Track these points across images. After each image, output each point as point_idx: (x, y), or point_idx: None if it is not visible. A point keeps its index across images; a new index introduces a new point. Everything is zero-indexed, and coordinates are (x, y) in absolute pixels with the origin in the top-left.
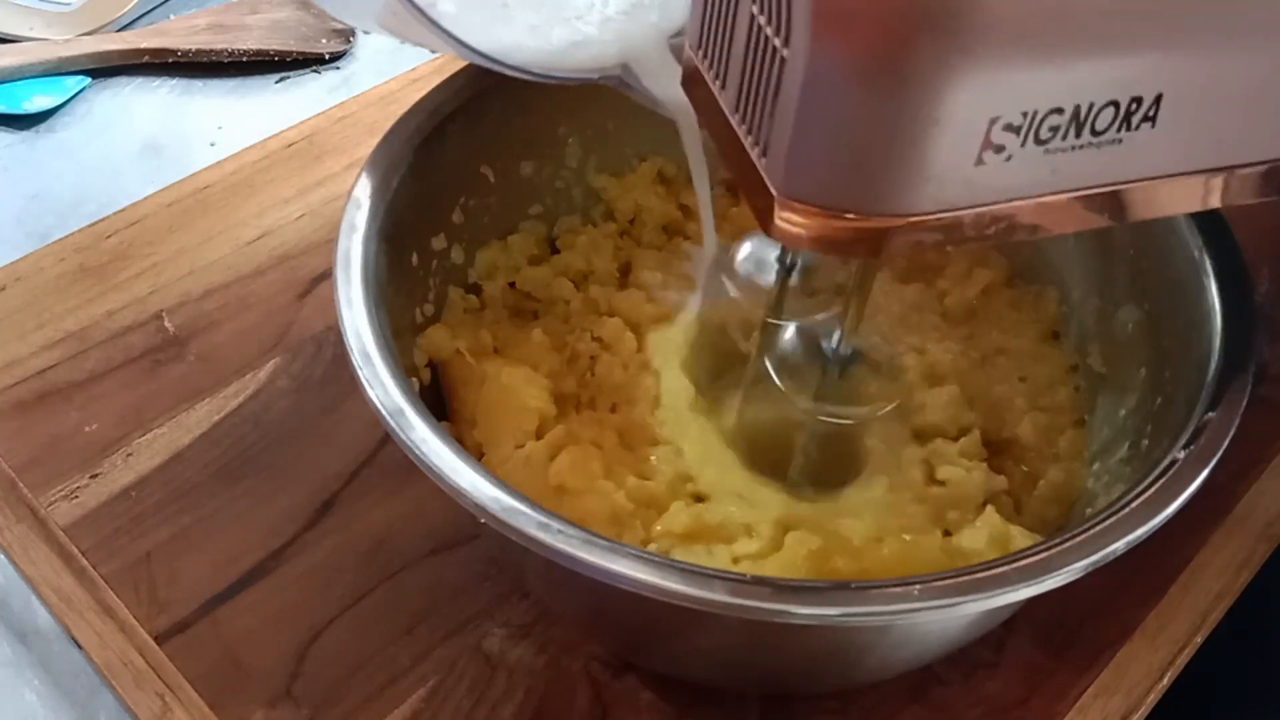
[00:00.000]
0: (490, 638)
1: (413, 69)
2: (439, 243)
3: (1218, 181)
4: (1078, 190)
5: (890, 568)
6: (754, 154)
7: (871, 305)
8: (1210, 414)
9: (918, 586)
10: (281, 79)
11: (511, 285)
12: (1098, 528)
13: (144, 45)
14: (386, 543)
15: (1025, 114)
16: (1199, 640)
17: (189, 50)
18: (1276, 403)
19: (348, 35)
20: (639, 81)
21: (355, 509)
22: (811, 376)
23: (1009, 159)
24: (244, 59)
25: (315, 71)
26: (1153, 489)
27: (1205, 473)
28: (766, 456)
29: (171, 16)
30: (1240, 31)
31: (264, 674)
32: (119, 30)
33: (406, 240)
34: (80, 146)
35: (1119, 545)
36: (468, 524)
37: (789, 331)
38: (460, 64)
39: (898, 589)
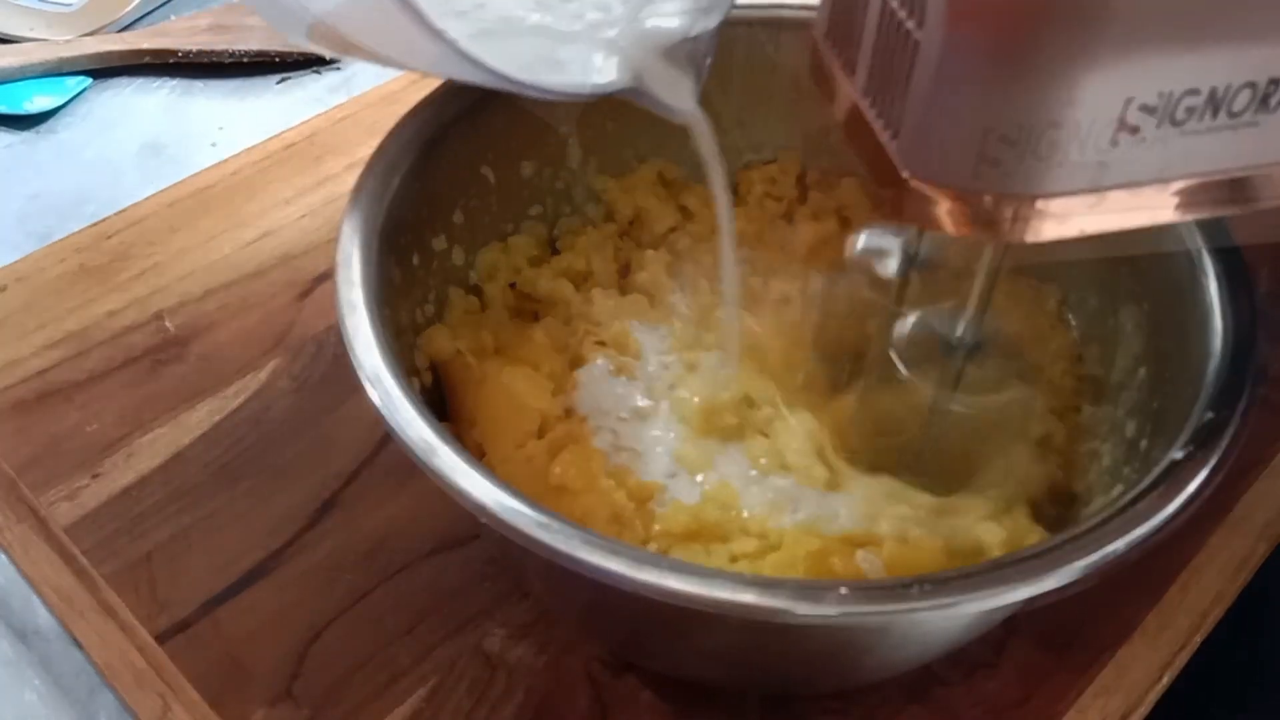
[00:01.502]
0: (490, 638)
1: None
2: (440, 243)
3: None
4: (1212, 174)
5: (892, 569)
6: (884, 137)
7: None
8: (1214, 413)
9: (917, 586)
10: (282, 79)
11: (512, 286)
12: (1101, 529)
13: (145, 46)
14: (387, 543)
15: (1161, 94)
16: (1199, 640)
17: (190, 51)
18: (1276, 403)
19: None
20: (651, 92)
21: (356, 509)
22: (936, 365)
23: (1144, 140)
24: (245, 59)
25: (316, 72)
26: (1157, 490)
27: (1208, 474)
28: (878, 453)
29: (172, 17)
30: None
31: (264, 674)
32: (120, 31)
33: (407, 241)
34: (81, 147)
35: (1119, 545)
36: (468, 524)
37: (912, 320)
38: None
39: (897, 588)
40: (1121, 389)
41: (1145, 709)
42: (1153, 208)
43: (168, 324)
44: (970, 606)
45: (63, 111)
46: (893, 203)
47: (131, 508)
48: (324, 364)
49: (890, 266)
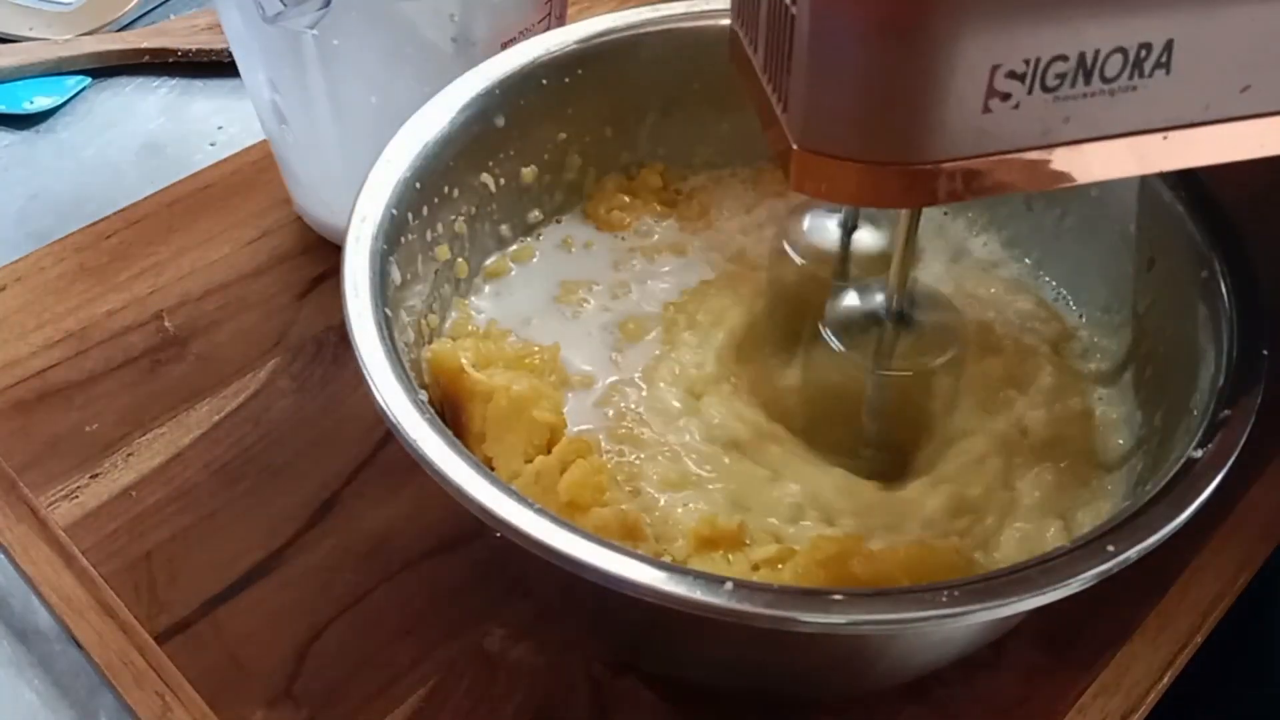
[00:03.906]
0: (490, 637)
1: None
2: (443, 253)
3: (1245, 129)
4: (1094, 138)
5: (911, 573)
6: (778, 110)
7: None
8: (1224, 413)
9: (923, 594)
10: None
11: None
12: (1108, 535)
13: (144, 45)
14: (386, 542)
15: (1028, 61)
16: (1199, 640)
17: (189, 50)
18: (1277, 403)
19: None
20: None
21: (355, 509)
22: (869, 335)
23: (1017, 106)
24: None
25: None
26: (1169, 492)
27: (1221, 475)
28: (829, 429)
29: (172, 16)
30: None
31: (264, 674)
32: (119, 30)
33: (412, 252)
34: (80, 146)
35: (1132, 553)
36: (468, 524)
37: (847, 293)
38: (459, 72)
39: (901, 597)
40: (1130, 389)
41: (1145, 709)
42: (1039, 174)
43: (167, 324)
44: (981, 615)
45: (62, 111)
46: (786, 173)
47: (131, 508)
48: (323, 364)
49: (830, 240)
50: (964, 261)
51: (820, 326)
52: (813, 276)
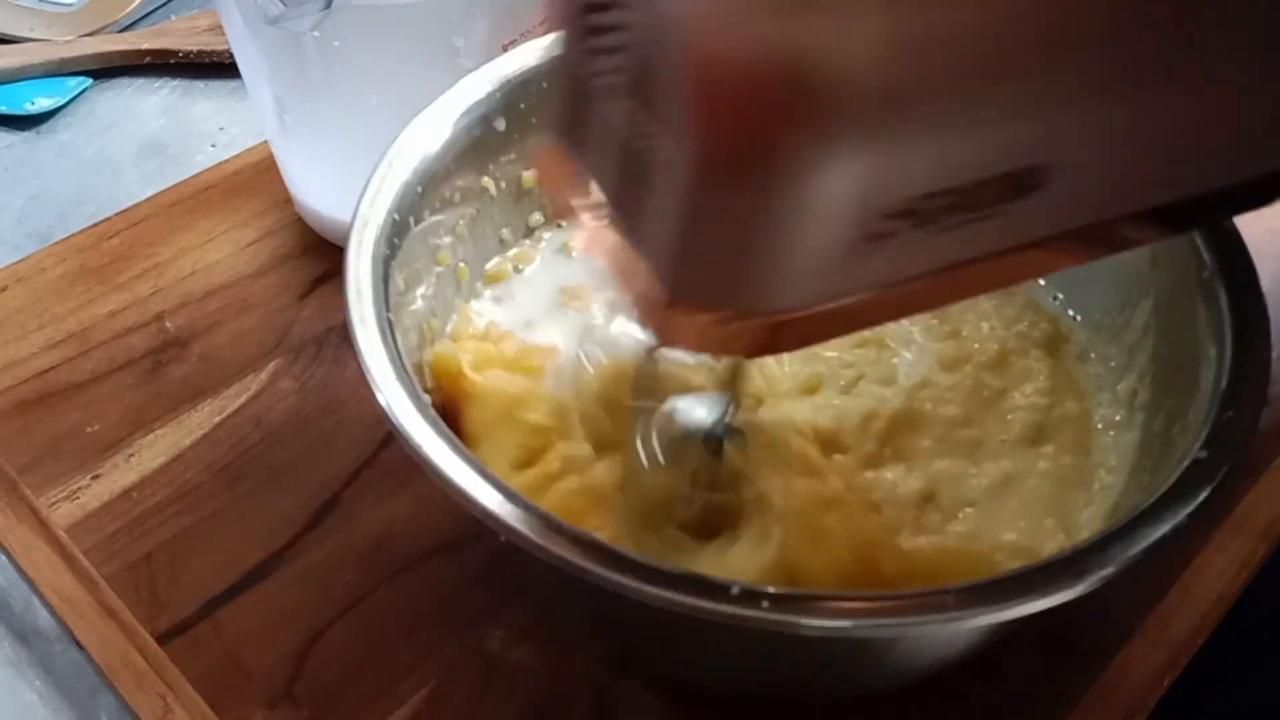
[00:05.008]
0: (491, 638)
1: None
2: (444, 257)
3: (1108, 231)
4: (968, 261)
5: (936, 572)
6: (631, 242)
7: None
8: (1227, 414)
9: (924, 598)
10: None
11: None
12: (1110, 536)
13: (145, 46)
14: (387, 543)
15: (911, 200)
16: (1200, 641)
17: (190, 51)
18: (1277, 403)
19: None
20: None
21: (356, 509)
22: (689, 454)
23: (897, 243)
24: None
25: None
26: (1170, 492)
27: (1223, 476)
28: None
29: (173, 17)
30: (1114, 83)
31: (265, 674)
32: (120, 31)
33: (413, 255)
34: (81, 147)
35: (1132, 555)
36: (468, 525)
37: (672, 407)
38: (460, 75)
39: (902, 601)
40: (1133, 390)
41: (1146, 710)
42: (915, 304)
43: (168, 324)
44: (984, 619)
45: (63, 112)
46: (648, 324)
47: (132, 508)
48: (324, 365)
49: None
50: None
51: (639, 442)
52: (616, 398)
